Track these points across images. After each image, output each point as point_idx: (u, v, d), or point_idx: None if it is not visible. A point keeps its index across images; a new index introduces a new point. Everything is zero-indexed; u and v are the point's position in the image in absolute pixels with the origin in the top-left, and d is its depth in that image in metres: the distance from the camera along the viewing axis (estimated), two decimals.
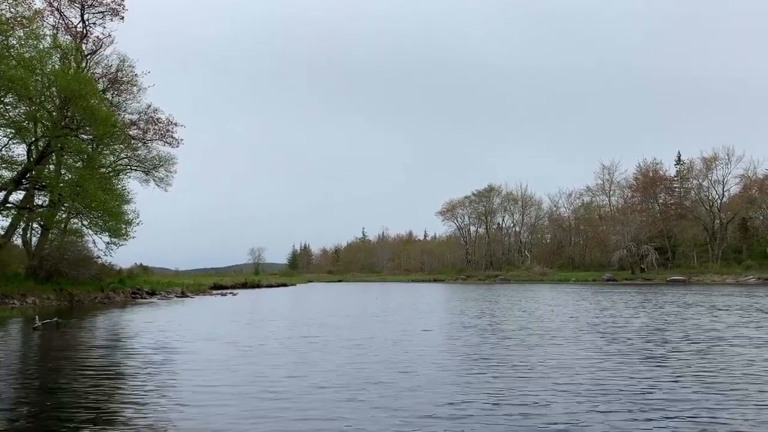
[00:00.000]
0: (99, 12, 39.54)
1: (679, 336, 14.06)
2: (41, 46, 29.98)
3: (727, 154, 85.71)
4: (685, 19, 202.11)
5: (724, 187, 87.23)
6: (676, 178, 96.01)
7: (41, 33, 30.60)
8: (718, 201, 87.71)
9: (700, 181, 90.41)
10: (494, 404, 7.26)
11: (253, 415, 6.81)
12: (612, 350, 11.81)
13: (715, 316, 19.45)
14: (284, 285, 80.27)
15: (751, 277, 66.76)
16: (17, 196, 32.38)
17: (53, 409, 7.25)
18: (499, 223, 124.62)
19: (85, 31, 39.54)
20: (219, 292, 49.64)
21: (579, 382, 8.56)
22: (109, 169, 38.56)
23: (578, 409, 6.93)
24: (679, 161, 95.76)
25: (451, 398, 7.58)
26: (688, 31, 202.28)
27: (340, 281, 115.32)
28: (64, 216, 35.24)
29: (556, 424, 6.34)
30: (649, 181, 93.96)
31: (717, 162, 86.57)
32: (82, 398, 7.76)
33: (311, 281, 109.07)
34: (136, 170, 41.68)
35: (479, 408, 7.07)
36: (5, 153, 29.79)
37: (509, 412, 6.89)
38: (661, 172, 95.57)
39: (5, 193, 30.19)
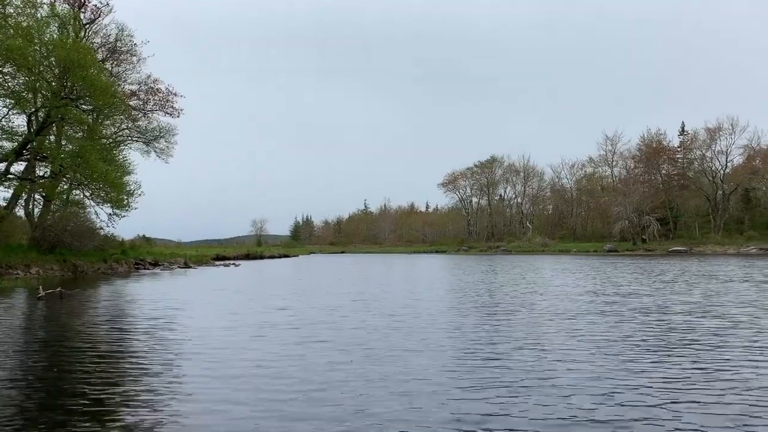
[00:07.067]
0: None
1: None
2: (39, 15, 29.68)
3: (732, 125, 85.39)
4: None
5: (727, 158, 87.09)
6: (679, 149, 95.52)
7: (38, 1, 30.25)
8: (721, 172, 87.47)
9: (704, 151, 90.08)
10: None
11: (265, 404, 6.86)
12: None
13: None
14: (286, 256, 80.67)
15: (752, 247, 66.86)
16: (18, 167, 32.38)
17: (56, 381, 7.31)
18: (501, 195, 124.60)
19: (83, 0, 38.98)
20: (222, 263, 49.89)
21: None
22: (110, 140, 38.45)
23: None
24: (683, 132, 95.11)
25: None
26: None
27: (342, 252, 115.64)
28: (65, 187, 35.28)
29: None
30: (653, 151, 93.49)
31: (721, 132, 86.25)
32: (86, 371, 7.82)
33: (313, 253, 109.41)
34: (136, 141, 41.62)
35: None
36: (5, 124, 29.70)
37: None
38: (664, 143, 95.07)
39: (6, 164, 30.15)
